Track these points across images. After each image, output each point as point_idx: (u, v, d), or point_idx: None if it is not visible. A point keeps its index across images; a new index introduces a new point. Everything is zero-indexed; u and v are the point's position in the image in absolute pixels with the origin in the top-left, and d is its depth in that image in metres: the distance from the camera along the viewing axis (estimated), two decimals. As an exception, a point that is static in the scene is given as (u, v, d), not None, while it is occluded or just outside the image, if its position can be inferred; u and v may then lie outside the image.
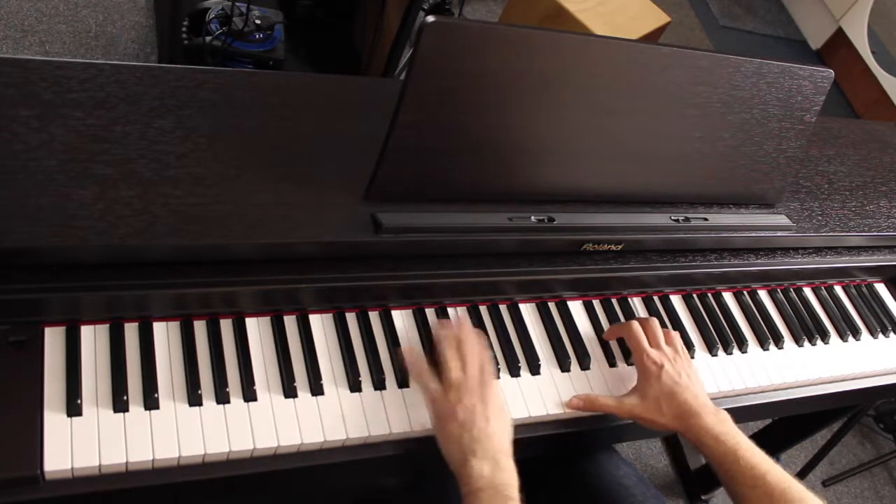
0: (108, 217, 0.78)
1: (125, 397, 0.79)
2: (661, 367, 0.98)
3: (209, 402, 0.83)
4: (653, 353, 1.00)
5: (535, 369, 1.00)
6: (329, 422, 0.86)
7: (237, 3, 1.80)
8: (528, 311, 1.06)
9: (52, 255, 0.76)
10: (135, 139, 0.86)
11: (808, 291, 1.31)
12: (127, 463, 0.76)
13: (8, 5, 2.04)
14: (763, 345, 1.18)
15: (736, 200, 1.18)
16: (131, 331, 0.85)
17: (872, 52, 3.46)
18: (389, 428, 0.89)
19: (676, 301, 1.17)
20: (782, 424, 1.77)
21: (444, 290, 1.00)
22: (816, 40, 3.80)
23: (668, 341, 1.03)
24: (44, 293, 0.78)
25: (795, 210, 1.24)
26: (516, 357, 1.00)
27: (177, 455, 0.78)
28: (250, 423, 0.83)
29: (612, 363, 1.05)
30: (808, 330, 1.24)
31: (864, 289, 1.38)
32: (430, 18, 0.81)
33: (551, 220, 1.00)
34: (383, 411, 0.90)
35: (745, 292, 1.24)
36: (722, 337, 1.15)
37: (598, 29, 2.28)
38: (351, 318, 0.95)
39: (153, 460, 0.77)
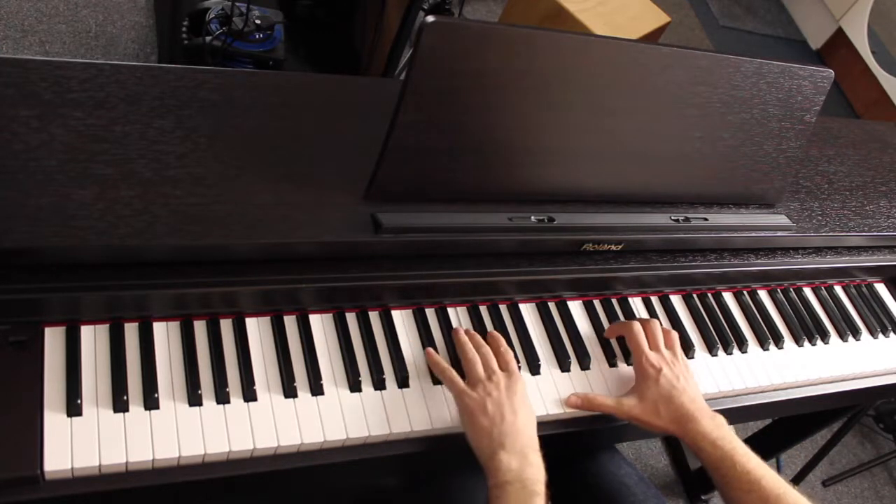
0: (108, 217, 0.78)
1: (125, 397, 0.79)
2: (659, 370, 0.98)
3: (209, 402, 0.83)
4: (652, 355, 1.00)
5: (535, 369, 1.00)
6: (329, 422, 0.86)
7: (237, 3, 1.80)
8: (528, 311, 1.06)
9: (52, 255, 0.76)
10: (135, 139, 0.86)
11: (808, 291, 1.31)
12: (127, 463, 0.76)
13: (8, 5, 2.04)
14: (763, 345, 1.18)
15: (736, 200, 1.18)
16: (131, 331, 0.85)
17: (872, 52, 3.46)
18: (389, 428, 0.89)
19: (676, 301, 1.17)
20: (782, 424, 1.77)
21: (444, 290, 1.00)
22: (816, 40, 3.80)
23: (668, 344, 1.03)
24: (44, 293, 0.78)
25: (795, 210, 1.24)
26: (516, 357, 1.00)
27: (177, 455, 0.78)
28: (250, 423, 0.83)
29: (612, 363, 1.05)
30: (808, 330, 1.24)
31: (864, 289, 1.38)
32: (430, 18, 0.81)
33: (551, 220, 1.00)
34: (383, 411, 0.90)
35: (745, 292, 1.24)
36: (722, 337, 1.15)
37: (598, 29, 2.28)
38: (351, 318, 0.95)
39: (153, 460, 0.77)
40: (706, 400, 1.09)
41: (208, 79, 0.96)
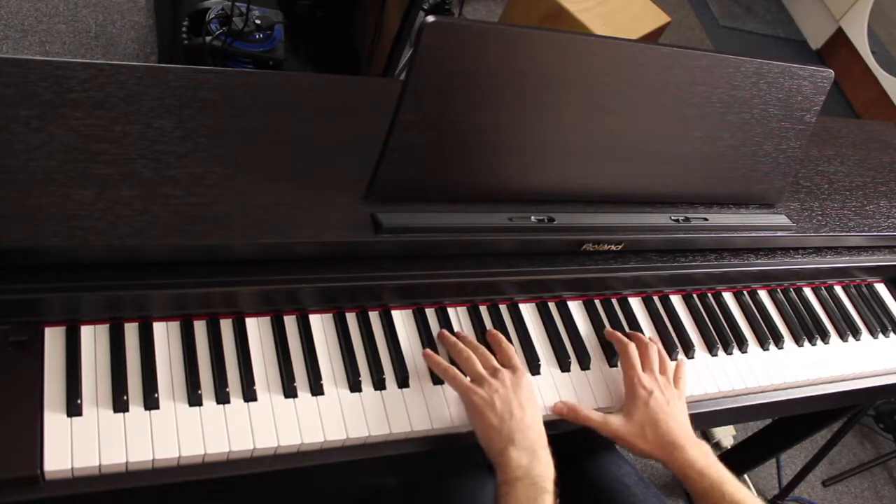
0: (108, 217, 0.78)
1: (125, 397, 0.79)
2: (650, 392, 0.97)
3: (209, 402, 0.83)
4: (644, 377, 0.99)
5: (535, 369, 1.00)
6: (329, 422, 0.86)
7: (237, 3, 1.80)
8: (528, 311, 1.06)
9: (52, 255, 0.76)
10: (135, 139, 0.86)
11: (808, 291, 1.31)
12: (127, 463, 0.76)
13: (8, 5, 2.04)
14: (763, 345, 1.18)
15: (736, 200, 1.18)
16: (131, 331, 0.85)
17: (872, 52, 3.46)
18: (389, 428, 0.89)
19: (676, 301, 1.17)
20: (782, 424, 1.77)
21: (444, 290, 1.00)
22: (816, 40, 3.80)
23: (663, 370, 1.02)
24: (44, 293, 0.78)
25: (795, 210, 1.24)
26: (516, 357, 1.00)
27: (177, 455, 0.78)
28: (250, 423, 0.83)
29: (612, 363, 1.05)
30: (808, 330, 1.24)
31: (864, 289, 1.38)
32: (430, 18, 0.81)
33: (551, 220, 1.00)
34: (383, 411, 0.90)
35: (745, 292, 1.24)
36: (722, 337, 1.15)
37: (598, 29, 2.28)
38: (351, 318, 0.95)
39: (153, 460, 0.77)
40: (706, 400, 1.10)
41: (208, 79, 0.96)
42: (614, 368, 1.05)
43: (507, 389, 0.90)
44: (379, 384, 0.91)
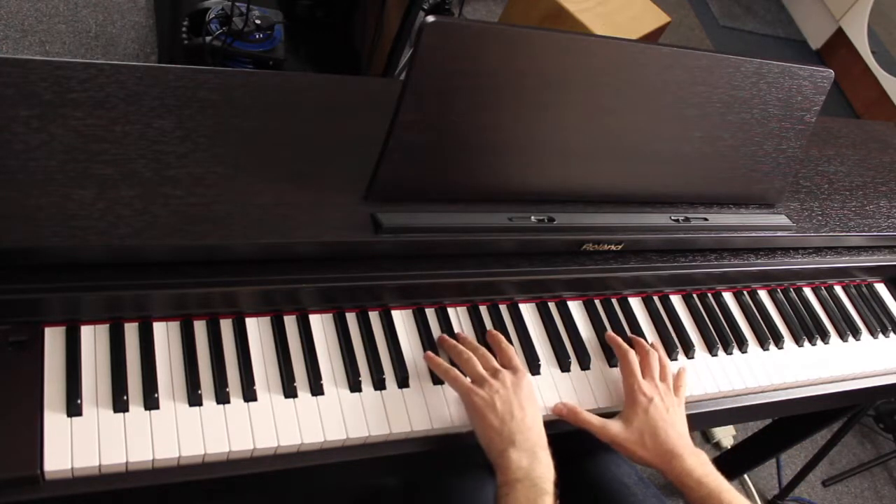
0: (108, 217, 0.78)
1: (125, 397, 0.79)
2: (650, 399, 0.97)
3: (209, 402, 0.83)
4: (645, 384, 0.99)
5: (535, 369, 1.00)
6: (329, 422, 0.86)
7: (237, 3, 1.80)
8: (528, 311, 1.06)
9: (52, 255, 0.76)
10: (135, 139, 0.86)
11: (808, 291, 1.31)
12: (127, 463, 0.76)
13: (8, 5, 2.04)
14: (763, 345, 1.18)
15: (736, 200, 1.18)
16: (131, 331, 0.85)
17: (872, 52, 3.46)
18: (389, 428, 0.89)
19: (676, 301, 1.17)
20: (782, 424, 1.77)
21: (444, 290, 1.00)
22: (816, 40, 3.80)
23: (663, 376, 1.02)
24: (44, 293, 0.78)
25: (795, 210, 1.24)
26: (516, 357, 1.00)
27: (177, 455, 0.78)
28: (250, 423, 0.83)
29: (612, 363, 1.05)
30: (808, 330, 1.24)
31: (864, 289, 1.38)
32: (430, 18, 0.81)
33: (551, 220, 1.00)
34: (383, 411, 0.90)
35: (745, 292, 1.24)
36: (722, 337, 1.15)
37: (598, 29, 2.28)
38: (351, 318, 0.95)
39: (153, 460, 0.77)
40: (706, 400, 1.10)
41: (208, 79, 0.96)
42: (614, 369, 1.05)
43: (508, 390, 0.90)
44: (379, 384, 0.91)
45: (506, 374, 0.92)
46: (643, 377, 1.00)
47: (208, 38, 1.81)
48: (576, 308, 1.09)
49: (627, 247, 1.08)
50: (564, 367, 1.02)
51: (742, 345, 1.16)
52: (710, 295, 1.20)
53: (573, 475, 1.12)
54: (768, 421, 1.83)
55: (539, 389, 0.99)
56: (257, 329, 0.90)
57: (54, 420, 0.76)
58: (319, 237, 0.87)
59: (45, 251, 0.76)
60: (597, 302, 1.11)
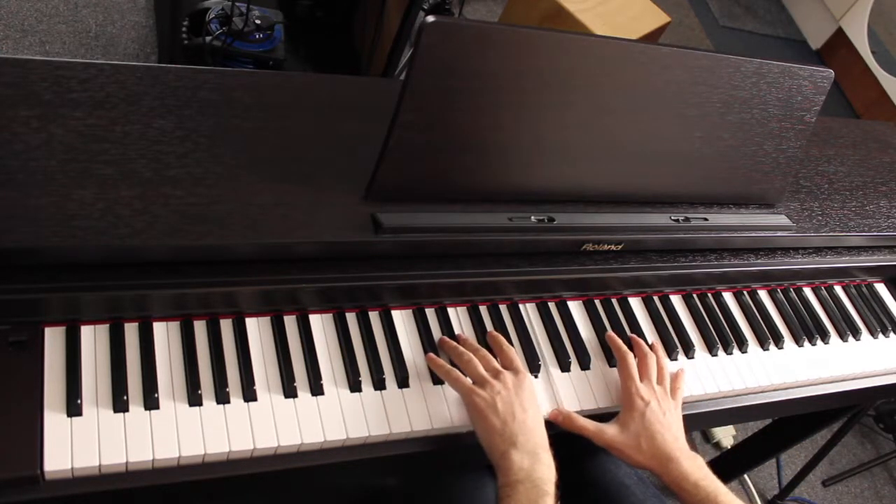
0: (108, 217, 0.78)
1: (125, 397, 0.79)
2: (647, 402, 0.97)
3: (209, 402, 0.83)
4: (642, 387, 0.99)
5: (535, 369, 1.00)
6: (329, 422, 0.86)
7: (237, 3, 1.80)
8: (528, 311, 1.06)
9: (52, 255, 0.76)
10: (135, 139, 0.86)
11: (808, 291, 1.31)
12: (127, 463, 0.76)
13: (8, 5, 2.04)
14: (763, 345, 1.18)
15: (736, 200, 1.18)
16: (131, 331, 0.85)
17: (872, 52, 3.46)
18: (389, 428, 0.89)
19: (676, 301, 1.17)
20: (782, 424, 1.77)
21: (444, 290, 1.00)
22: (816, 40, 3.80)
23: (661, 379, 1.02)
24: (44, 293, 0.78)
25: (795, 210, 1.24)
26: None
27: (177, 455, 0.78)
28: (250, 423, 0.83)
29: (612, 363, 1.05)
30: (808, 330, 1.24)
31: (864, 289, 1.38)
32: (430, 18, 0.81)
33: (551, 220, 1.00)
34: (383, 411, 0.90)
35: (745, 292, 1.24)
36: (722, 337, 1.15)
37: (598, 29, 2.28)
38: (351, 318, 0.95)
39: (153, 460, 0.77)
40: (706, 400, 1.10)
41: (208, 79, 0.96)
42: (614, 369, 1.05)
43: (510, 391, 0.90)
44: (379, 384, 0.91)
45: (507, 376, 0.92)
46: (641, 380, 1.00)
47: (208, 38, 1.81)
48: (576, 308, 1.09)
49: (627, 247, 1.08)
50: (564, 367, 1.02)
51: (742, 345, 1.16)
52: (710, 295, 1.20)
53: (574, 475, 1.13)
54: (768, 421, 1.83)
55: (539, 389, 0.99)
56: (257, 329, 0.90)
57: (54, 420, 0.76)
58: (319, 237, 0.87)
59: (45, 251, 0.76)
60: (597, 302, 1.11)
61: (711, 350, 1.13)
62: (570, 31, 0.97)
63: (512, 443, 0.85)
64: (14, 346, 0.77)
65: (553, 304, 1.08)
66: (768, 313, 1.23)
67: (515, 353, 0.97)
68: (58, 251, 0.76)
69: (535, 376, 1.00)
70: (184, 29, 1.86)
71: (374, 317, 0.97)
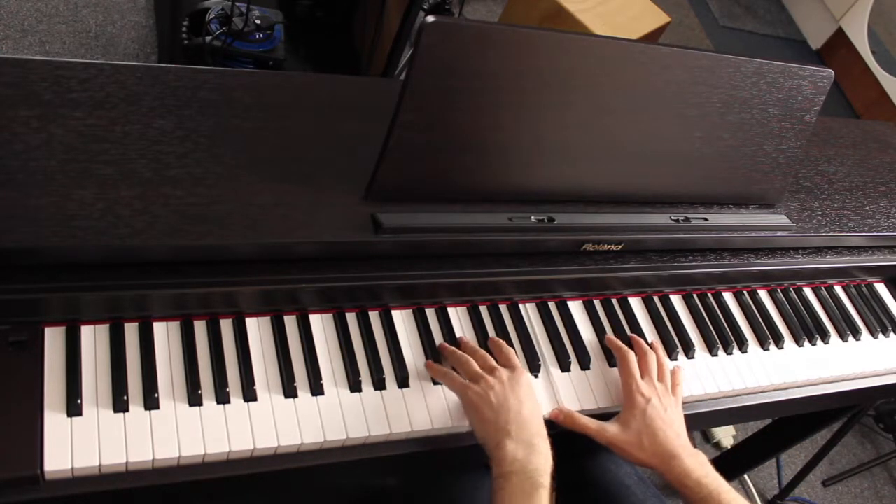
0: (108, 217, 0.78)
1: (125, 397, 0.79)
2: (648, 399, 0.97)
3: (209, 402, 0.83)
4: (643, 385, 0.99)
5: (535, 369, 1.00)
6: (329, 422, 0.86)
7: (237, 3, 1.80)
8: (528, 311, 1.06)
9: (52, 255, 0.76)
10: (135, 139, 0.86)
11: (808, 291, 1.31)
12: (127, 463, 0.76)
13: (8, 5, 2.04)
14: (763, 345, 1.18)
15: (736, 200, 1.18)
16: (131, 331, 0.85)
17: (872, 52, 3.46)
18: (389, 428, 0.89)
19: (676, 301, 1.17)
20: (782, 424, 1.77)
21: (444, 290, 1.00)
22: (816, 40, 3.80)
23: (661, 377, 1.02)
24: (44, 293, 0.78)
25: (795, 210, 1.24)
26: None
27: (177, 455, 0.78)
28: (250, 423, 0.83)
29: (612, 363, 1.05)
30: (808, 330, 1.24)
31: (864, 289, 1.38)
32: (430, 18, 0.81)
33: (551, 220, 1.00)
34: (383, 411, 0.90)
35: (745, 292, 1.24)
36: (722, 337, 1.15)
37: (598, 29, 2.28)
38: (351, 318, 0.95)
39: (153, 460, 0.77)
40: (706, 400, 1.10)
41: (208, 79, 0.96)
42: (614, 369, 1.05)
43: (504, 385, 0.90)
44: (379, 384, 0.91)
45: (502, 371, 0.92)
46: (641, 377, 1.00)
47: (208, 38, 1.81)
48: (576, 308, 1.09)
49: (627, 247, 1.08)
50: (564, 367, 1.02)
51: (742, 345, 1.16)
52: (710, 295, 1.20)
53: (574, 475, 1.13)
54: (768, 421, 1.83)
55: (539, 389, 0.99)
56: (257, 329, 0.90)
57: (54, 420, 0.76)
58: (319, 237, 0.87)
59: (45, 251, 0.76)
60: (597, 302, 1.11)
61: (711, 350, 1.13)
62: (570, 31, 0.97)
63: (506, 433, 0.85)
64: (14, 346, 0.77)
65: (553, 304, 1.08)
66: (768, 313, 1.23)
67: (514, 353, 0.97)
68: (58, 251, 0.76)
69: (536, 376, 1.00)
70: (184, 29, 1.86)
71: (374, 317, 0.97)
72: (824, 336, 1.24)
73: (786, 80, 1.07)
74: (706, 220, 1.12)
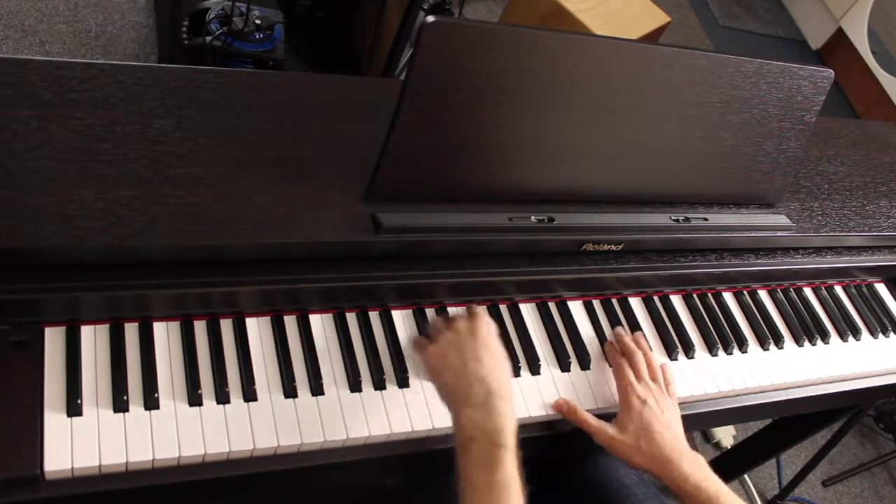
0: (108, 217, 0.78)
1: (125, 397, 0.79)
2: (644, 401, 0.96)
3: (209, 402, 0.83)
4: (639, 387, 0.98)
5: (535, 369, 1.00)
6: (329, 422, 0.86)
7: (237, 3, 1.80)
8: (528, 311, 1.06)
9: (52, 255, 0.76)
10: (135, 139, 0.86)
11: (808, 291, 1.31)
12: (127, 463, 0.76)
13: (8, 5, 2.04)
14: (763, 345, 1.18)
15: (736, 200, 1.18)
16: (131, 331, 0.85)
17: (872, 52, 3.46)
18: (390, 428, 0.89)
19: (676, 301, 1.17)
20: (782, 424, 1.77)
21: (444, 290, 1.00)
22: (816, 40, 3.80)
23: (653, 376, 1.01)
24: (44, 293, 0.78)
25: (795, 210, 1.24)
26: (516, 357, 1.00)
27: (177, 455, 0.78)
28: (250, 423, 0.83)
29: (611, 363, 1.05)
30: (808, 330, 1.24)
31: (864, 289, 1.38)
32: (430, 18, 0.81)
33: (551, 220, 1.00)
34: (383, 411, 0.90)
35: (745, 292, 1.24)
36: (722, 337, 1.15)
37: (598, 29, 2.28)
38: (351, 318, 0.95)
39: (153, 460, 0.77)
40: (706, 400, 1.10)
41: (208, 79, 0.96)
42: (614, 368, 1.05)
43: (462, 337, 0.86)
44: (379, 384, 0.91)
45: (460, 321, 0.88)
46: (637, 380, 1.00)
47: (208, 38, 1.81)
48: (576, 308, 1.09)
49: (627, 247, 1.08)
50: (564, 367, 1.02)
51: (742, 345, 1.16)
52: (710, 295, 1.20)
53: (573, 475, 1.13)
54: (768, 421, 1.83)
55: (539, 390, 0.99)
56: (257, 329, 0.90)
57: (54, 420, 0.76)
58: (319, 237, 0.87)
59: (45, 251, 0.76)
60: (597, 302, 1.11)
61: (711, 350, 1.13)
62: (570, 31, 0.97)
63: (465, 399, 0.82)
64: (14, 346, 0.77)
65: (553, 304, 1.08)
66: (768, 313, 1.23)
67: (477, 307, 0.93)
68: (58, 251, 0.76)
69: (536, 376, 1.00)
70: (184, 29, 1.86)
71: (374, 317, 0.97)
72: (824, 336, 1.24)
73: (786, 80, 1.07)
74: (706, 220, 1.12)
